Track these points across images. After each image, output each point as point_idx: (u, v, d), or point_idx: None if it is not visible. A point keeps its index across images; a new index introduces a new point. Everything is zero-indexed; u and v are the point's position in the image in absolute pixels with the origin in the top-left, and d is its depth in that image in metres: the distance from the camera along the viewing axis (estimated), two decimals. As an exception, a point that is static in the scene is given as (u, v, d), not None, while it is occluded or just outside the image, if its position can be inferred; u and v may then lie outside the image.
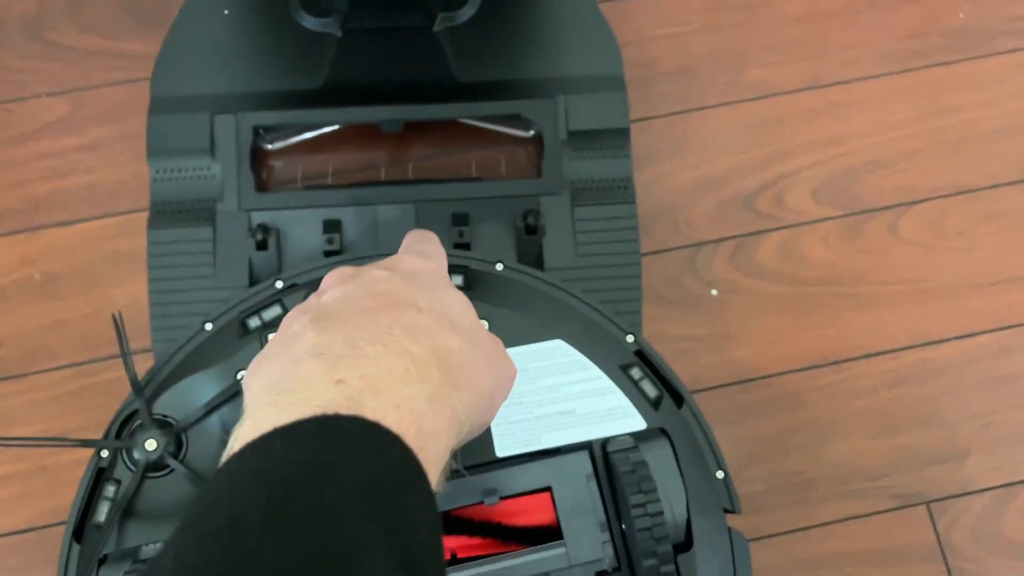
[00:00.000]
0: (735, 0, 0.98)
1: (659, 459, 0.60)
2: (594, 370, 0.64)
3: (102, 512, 0.61)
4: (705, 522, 0.60)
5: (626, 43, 0.93)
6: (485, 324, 0.64)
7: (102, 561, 0.59)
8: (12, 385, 0.85)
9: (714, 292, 0.88)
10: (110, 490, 0.61)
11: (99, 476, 0.62)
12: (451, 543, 0.58)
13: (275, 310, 0.66)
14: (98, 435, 0.63)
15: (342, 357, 0.44)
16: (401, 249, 0.62)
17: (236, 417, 0.48)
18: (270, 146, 0.86)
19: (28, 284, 0.87)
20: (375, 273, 0.51)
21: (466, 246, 0.78)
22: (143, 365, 0.66)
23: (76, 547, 0.61)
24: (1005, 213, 0.91)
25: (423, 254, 0.57)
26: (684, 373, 0.81)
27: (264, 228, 0.78)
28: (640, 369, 0.64)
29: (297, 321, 0.49)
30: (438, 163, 0.88)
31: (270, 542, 0.36)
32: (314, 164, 0.87)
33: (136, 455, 0.62)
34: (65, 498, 0.63)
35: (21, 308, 0.87)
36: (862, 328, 0.87)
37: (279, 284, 0.66)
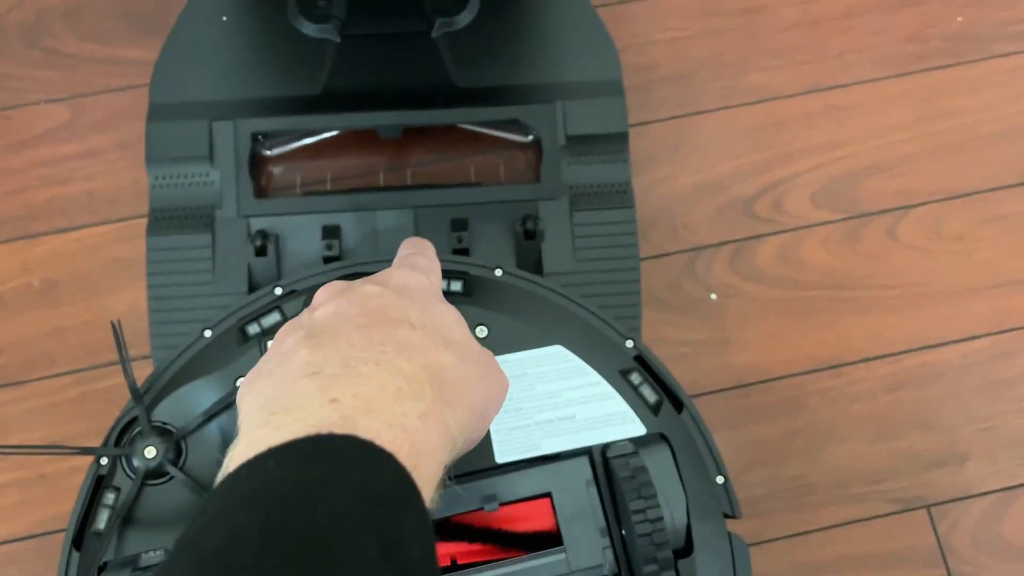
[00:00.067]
0: (734, 5, 0.98)
1: (659, 464, 0.60)
2: (594, 375, 0.64)
3: (102, 519, 0.61)
4: (705, 527, 0.60)
5: (625, 48, 0.94)
6: (484, 330, 0.64)
7: (102, 568, 0.59)
8: (12, 392, 0.85)
9: (713, 296, 0.88)
10: (109, 497, 0.61)
11: (99, 483, 0.62)
12: (451, 549, 0.58)
13: (274, 316, 0.66)
14: (98, 442, 0.63)
15: (335, 376, 0.44)
16: (395, 260, 0.62)
17: (236, 424, 0.48)
18: (269, 152, 0.86)
19: (27, 291, 0.87)
20: (367, 288, 0.52)
21: (465, 251, 0.78)
22: (143, 372, 0.66)
23: (76, 555, 0.60)
24: (1004, 216, 0.91)
25: (415, 267, 0.57)
26: (684, 378, 0.81)
27: (263, 234, 0.78)
28: (640, 374, 0.64)
29: (290, 337, 0.50)
30: (437, 168, 0.88)
31: (267, 562, 0.36)
32: (313, 170, 0.87)
33: (135, 462, 0.62)
34: (65, 505, 0.63)
35: (21, 315, 0.87)
36: (861, 332, 0.87)
37: (278, 291, 0.66)
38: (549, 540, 0.59)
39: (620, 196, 0.81)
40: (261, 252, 0.78)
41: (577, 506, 0.59)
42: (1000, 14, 0.97)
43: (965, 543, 0.82)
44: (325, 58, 0.84)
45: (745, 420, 0.85)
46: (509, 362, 0.64)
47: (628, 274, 0.79)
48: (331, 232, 0.78)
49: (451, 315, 0.53)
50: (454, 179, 0.87)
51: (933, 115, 0.94)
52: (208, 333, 0.66)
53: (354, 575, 0.37)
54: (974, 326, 0.88)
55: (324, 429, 0.41)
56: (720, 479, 0.62)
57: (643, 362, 0.65)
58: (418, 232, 0.78)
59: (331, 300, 0.52)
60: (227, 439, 0.59)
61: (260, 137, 0.83)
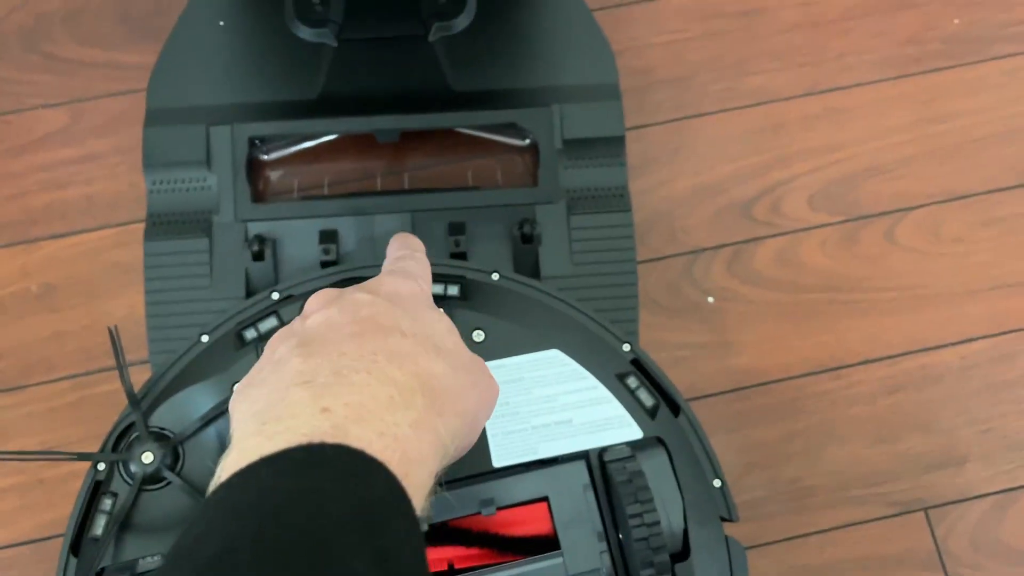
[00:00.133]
0: (732, 7, 0.98)
1: (656, 468, 0.60)
2: (591, 379, 0.64)
3: (99, 525, 0.61)
4: (702, 531, 0.60)
5: (622, 51, 0.94)
6: (481, 335, 0.64)
7: (99, 574, 0.59)
8: (11, 397, 0.85)
9: (711, 299, 0.88)
10: (107, 503, 0.61)
11: (96, 489, 0.62)
12: (448, 554, 0.58)
13: (271, 321, 0.66)
14: (97, 447, 0.63)
15: (327, 385, 0.45)
16: (386, 262, 0.62)
17: (230, 431, 0.48)
18: (266, 157, 0.86)
19: (26, 296, 0.88)
20: (358, 296, 0.52)
21: (462, 255, 0.78)
22: (142, 376, 0.66)
23: (73, 560, 0.60)
24: (1003, 219, 0.91)
25: (406, 273, 0.57)
26: (682, 381, 0.81)
27: (260, 239, 0.78)
28: (636, 378, 0.64)
29: (282, 346, 0.50)
30: (434, 172, 0.88)
31: (261, 573, 0.36)
32: (310, 174, 0.87)
33: (133, 468, 0.62)
34: (63, 511, 0.63)
35: (19, 320, 0.87)
36: (860, 335, 0.87)
37: (275, 295, 0.66)
38: (546, 544, 0.58)
39: (617, 200, 0.81)
40: (258, 257, 0.78)
41: (574, 510, 0.59)
42: (998, 16, 0.97)
43: (963, 546, 0.82)
44: (322, 62, 0.84)
45: (744, 423, 0.85)
46: (506, 366, 0.64)
47: (625, 277, 0.79)
48: (328, 236, 0.78)
49: (442, 322, 0.53)
50: (451, 183, 0.87)
51: (932, 117, 0.94)
52: (205, 338, 0.66)
53: None
54: (973, 328, 0.88)
55: (316, 438, 0.41)
56: (717, 483, 0.62)
57: (640, 366, 0.65)
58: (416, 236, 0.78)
59: (323, 308, 0.52)
60: (224, 444, 0.59)
61: (257, 141, 0.83)
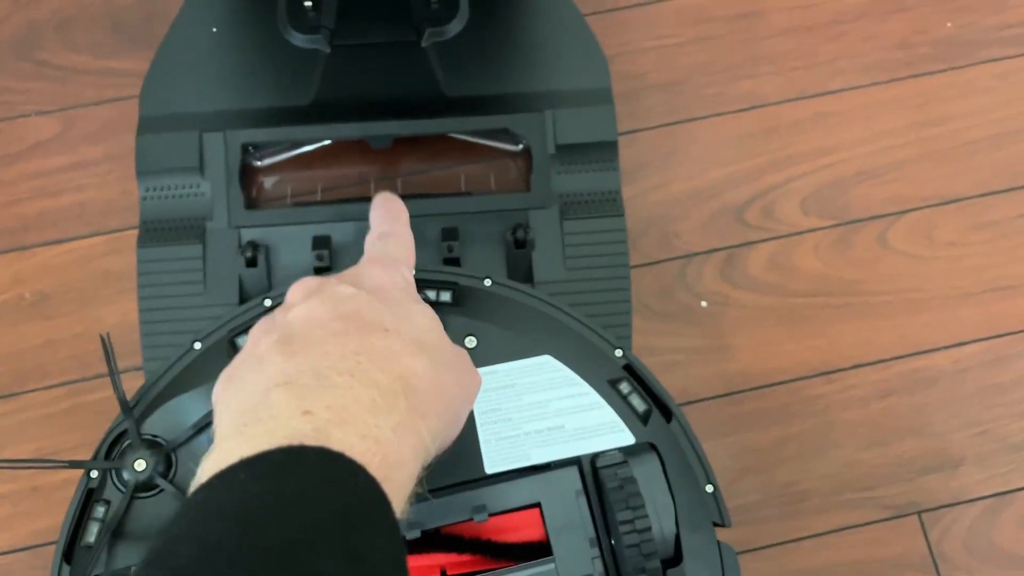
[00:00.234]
0: (723, 12, 0.98)
1: (648, 474, 0.60)
2: (583, 385, 0.64)
3: (92, 533, 0.61)
4: (695, 536, 0.60)
5: (614, 56, 0.94)
6: (473, 341, 0.65)
7: (92, 582, 0.59)
8: (4, 405, 0.85)
9: (704, 304, 0.88)
10: (99, 511, 0.61)
11: (89, 496, 0.62)
12: (440, 560, 0.58)
13: (264, 328, 0.66)
14: (91, 454, 0.63)
15: (309, 387, 0.45)
16: (369, 236, 0.61)
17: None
18: (259, 163, 0.86)
19: (19, 304, 0.88)
20: (341, 290, 0.51)
21: (456, 261, 0.78)
22: (135, 383, 0.66)
23: (67, 567, 0.60)
24: (995, 222, 0.91)
25: (388, 259, 0.56)
26: (675, 386, 0.81)
27: (254, 245, 0.78)
28: (629, 383, 0.64)
29: (264, 341, 0.49)
30: (427, 178, 0.89)
31: None
32: (303, 181, 0.87)
33: (125, 475, 0.62)
34: (57, 518, 0.63)
35: (12, 328, 0.87)
36: (853, 338, 0.87)
37: (268, 302, 0.66)
38: (539, 550, 0.59)
39: (610, 204, 0.81)
40: (252, 263, 0.78)
41: (567, 516, 0.59)
42: (990, 19, 0.98)
43: (957, 549, 0.82)
44: (315, 69, 0.84)
45: (737, 427, 0.85)
46: (498, 372, 0.64)
47: (618, 282, 0.79)
48: (322, 243, 0.78)
49: (425, 316, 0.53)
50: (444, 188, 0.87)
51: (924, 121, 0.94)
52: (198, 345, 0.66)
53: None
54: (966, 332, 0.88)
55: (296, 441, 0.41)
56: (709, 488, 0.62)
57: (632, 371, 0.65)
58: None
59: (305, 300, 0.51)
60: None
61: (250, 148, 0.83)
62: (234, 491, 0.40)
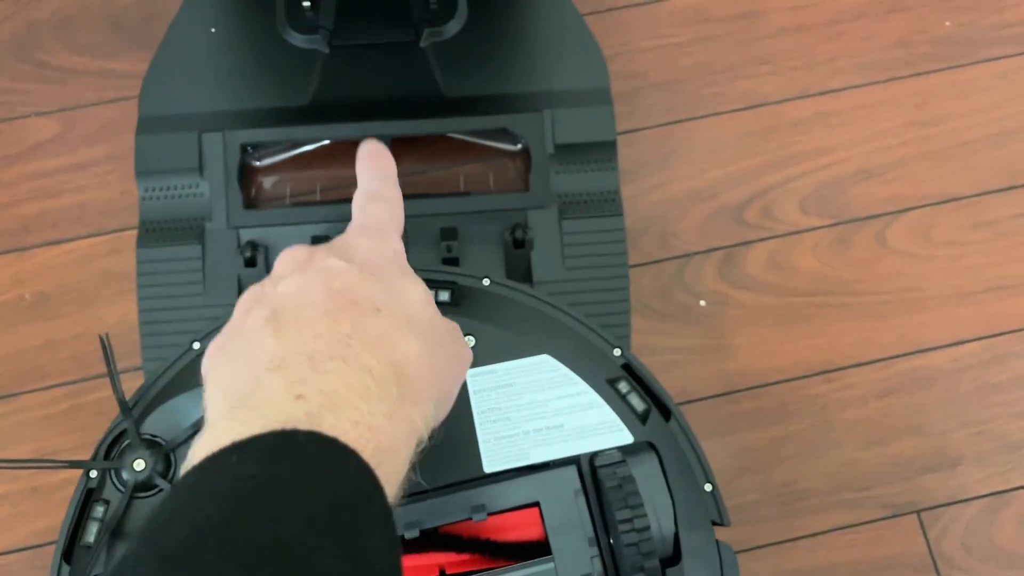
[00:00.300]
0: (722, 12, 0.98)
1: (646, 473, 0.60)
2: (581, 384, 0.64)
3: (91, 533, 0.61)
4: (693, 535, 0.60)
5: (614, 55, 0.94)
6: (472, 340, 0.65)
7: (92, 582, 0.59)
8: (3, 405, 0.85)
9: (703, 303, 0.88)
10: (99, 511, 0.61)
11: (88, 496, 0.62)
12: (439, 559, 0.58)
13: (263, 328, 0.66)
14: (91, 454, 0.63)
15: (301, 372, 0.44)
16: (357, 195, 0.59)
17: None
18: (258, 163, 0.86)
19: (19, 304, 0.88)
20: (332, 263, 0.50)
21: (454, 260, 0.78)
22: (135, 383, 0.66)
23: (66, 567, 0.60)
24: (994, 221, 0.91)
25: (377, 229, 0.55)
26: (673, 385, 0.81)
27: (253, 245, 0.78)
28: (627, 383, 0.64)
29: (254, 315, 0.49)
30: (426, 178, 0.89)
31: (228, 568, 0.35)
32: (302, 181, 0.88)
33: (125, 475, 0.62)
34: (58, 518, 0.63)
35: (12, 328, 0.87)
36: (852, 338, 0.88)
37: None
38: (538, 550, 0.58)
39: (609, 204, 0.81)
40: (251, 263, 0.78)
41: (565, 515, 0.59)
42: (989, 19, 0.98)
43: (955, 548, 0.82)
44: (314, 69, 0.84)
45: (736, 427, 0.85)
46: (496, 372, 0.64)
47: (617, 282, 0.79)
48: (320, 242, 0.78)
49: (416, 292, 0.52)
50: (443, 188, 0.87)
51: (923, 120, 0.94)
52: (197, 345, 0.65)
53: (313, 574, 0.36)
54: (964, 331, 0.88)
55: (288, 425, 0.41)
56: (708, 487, 0.62)
57: (631, 370, 0.65)
58: (407, 242, 0.78)
59: (295, 274, 0.50)
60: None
61: (249, 148, 0.83)
62: (226, 474, 0.39)
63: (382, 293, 0.49)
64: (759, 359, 0.87)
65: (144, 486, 0.62)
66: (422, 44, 0.83)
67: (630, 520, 0.56)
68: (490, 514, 0.59)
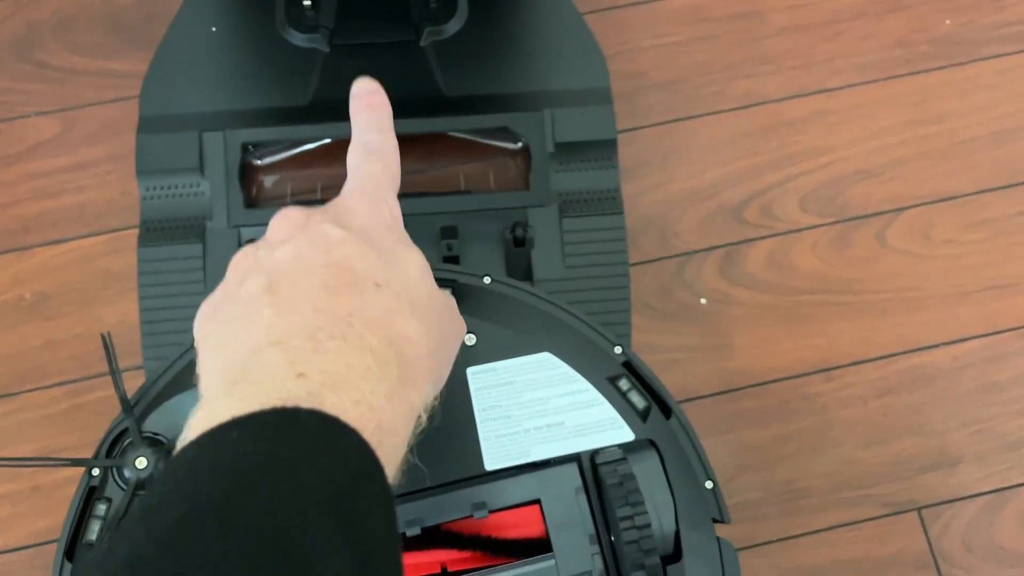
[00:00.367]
0: (722, 11, 0.98)
1: (647, 471, 0.60)
2: (582, 382, 0.64)
3: (93, 531, 0.61)
4: (694, 533, 0.60)
5: (614, 55, 0.94)
6: (472, 338, 0.64)
7: (93, 580, 0.59)
8: (4, 405, 0.85)
9: (703, 302, 0.88)
10: (101, 508, 0.61)
11: (90, 495, 0.62)
12: (441, 557, 0.58)
13: (264, 327, 0.66)
14: (91, 453, 0.63)
15: (301, 350, 0.43)
16: (352, 145, 0.56)
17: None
18: (259, 162, 0.86)
19: (19, 304, 0.88)
20: (328, 230, 0.48)
21: (455, 259, 0.78)
22: (136, 382, 0.67)
23: (68, 566, 0.61)
24: (993, 220, 0.91)
25: (374, 191, 0.53)
26: (674, 383, 0.81)
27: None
28: (628, 380, 0.64)
29: (250, 283, 0.47)
30: (427, 177, 0.89)
31: (227, 546, 0.35)
32: (303, 179, 0.88)
33: (127, 473, 0.62)
34: (59, 517, 0.63)
35: (12, 328, 0.87)
36: (852, 336, 0.88)
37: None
38: (538, 547, 0.59)
39: (609, 202, 0.81)
40: (252, 262, 0.78)
41: (566, 513, 0.59)
42: (988, 17, 0.98)
43: (956, 546, 0.82)
44: (314, 68, 0.84)
45: (736, 425, 0.85)
46: (497, 370, 0.64)
47: (617, 280, 0.79)
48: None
49: (414, 263, 0.51)
50: (444, 187, 0.88)
51: (922, 119, 0.95)
52: (198, 344, 0.65)
53: (316, 564, 0.36)
54: (964, 329, 0.88)
55: (289, 403, 0.40)
56: (709, 484, 0.62)
57: (631, 368, 0.65)
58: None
59: (291, 239, 0.48)
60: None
61: (250, 147, 0.83)
62: (226, 450, 0.39)
63: (381, 266, 0.48)
64: (759, 357, 0.87)
65: (146, 484, 0.62)
66: (422, 43, 0.84)
67: (631, 517, 0.56)
68: (491, 511, 0.59)
